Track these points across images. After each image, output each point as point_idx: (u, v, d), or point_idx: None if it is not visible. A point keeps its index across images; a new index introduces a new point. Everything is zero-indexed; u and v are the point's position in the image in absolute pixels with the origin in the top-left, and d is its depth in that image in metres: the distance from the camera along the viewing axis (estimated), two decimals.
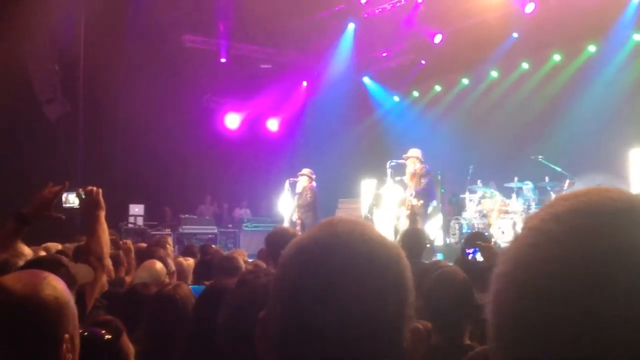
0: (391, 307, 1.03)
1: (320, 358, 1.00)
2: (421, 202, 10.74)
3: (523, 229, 0.80)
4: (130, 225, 13.70)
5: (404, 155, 11.09)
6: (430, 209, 11.30)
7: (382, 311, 1.02)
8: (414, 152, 11.00)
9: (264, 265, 4.63)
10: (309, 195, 11.93)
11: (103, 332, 1.98)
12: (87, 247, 3.07)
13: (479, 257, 3.74)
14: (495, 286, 0.79)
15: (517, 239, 0.80)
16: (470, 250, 3.87)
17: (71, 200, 3.17)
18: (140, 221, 13.98)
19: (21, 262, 2.98)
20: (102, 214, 3.16)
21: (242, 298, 1.95)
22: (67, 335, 1.60)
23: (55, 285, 1.63)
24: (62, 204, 3.17)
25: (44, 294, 1.58)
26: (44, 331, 1.57)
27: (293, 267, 1.09)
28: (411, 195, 10.91)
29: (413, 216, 10.76)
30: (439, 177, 13.88)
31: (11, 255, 3.10)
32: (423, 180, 10.77)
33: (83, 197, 3.16)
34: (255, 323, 1.11)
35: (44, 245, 4.88)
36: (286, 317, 1.04)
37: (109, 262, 3.35)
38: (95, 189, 3.20)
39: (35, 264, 2.52)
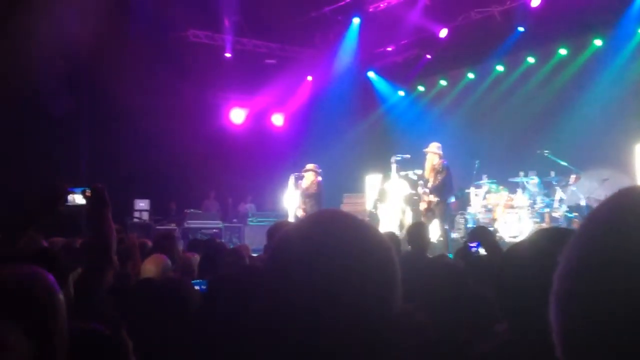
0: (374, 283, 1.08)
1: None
2: (437, 199, 10.67)
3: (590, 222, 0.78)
4: (136, 220, 13.74)
5: (425, 149, 11.03)
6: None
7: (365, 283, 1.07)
8: (433, 146, 10.95)
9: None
10: (314, 190, 11.94)
11: (103, 328, 2.00)
12: (94, 243, 3.09)
13: (482, 251, 3.75)
14: (563, 285, 0.76)
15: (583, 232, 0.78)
16: (474, 244, 3.88)
17: (76, 198, 3.16)
18: (145, 216, 14.03)
19: None
20: (108, 210, 3.18)
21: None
22: (56, 328, 1.63)
23: (46, 280, 1.67)
24: (67, 202, 3.18)
25: (35, 288, 1.62)
26: (35, 324, 1.60)
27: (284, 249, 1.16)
28: (424, 192, 10.89)
29: (431, 212, 10.74)
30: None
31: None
32: (439, 177, 10.70)
33: (88, 194, 3.18)
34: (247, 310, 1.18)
35: (50, 240, 4.90)
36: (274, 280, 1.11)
37: (115, 258, 3.36)
38: (100, 185, 3.22)
39: (29, 258, 2.53)
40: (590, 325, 0.71)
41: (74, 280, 2.89)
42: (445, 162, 10.78)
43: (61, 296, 1.70)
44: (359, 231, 1.14)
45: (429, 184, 10.77)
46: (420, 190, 11.16)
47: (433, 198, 10.69)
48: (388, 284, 1.10)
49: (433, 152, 10.86)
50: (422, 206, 10.92)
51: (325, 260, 1.06)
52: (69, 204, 3.16)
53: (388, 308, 1.09)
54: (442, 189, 10.70)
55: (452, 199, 11.36)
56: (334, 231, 1.12)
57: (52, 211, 3.15)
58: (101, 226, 3.09)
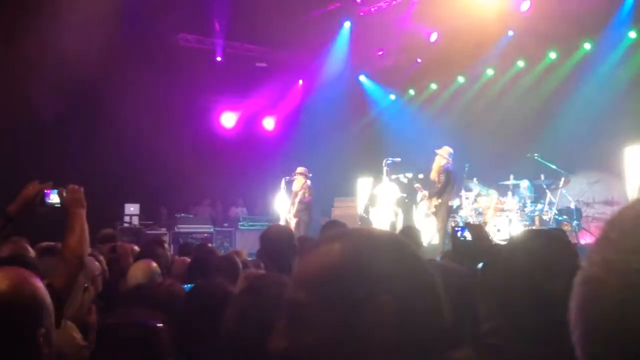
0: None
1: None
2: (439, 201, 10.83)
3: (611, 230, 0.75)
4: (126, 225, 13.68)
5: (436, 150, 11.21)
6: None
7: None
8: (444, 149, 11.16)
9: (261, 264, 4.62)
10: (305, 194, 11.94)
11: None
12: (66, 244, 3.02)
13: (468, 236, 3.82)
14: (583, 294, 0.75)
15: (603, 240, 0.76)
16: (459, 229, 3.95)
17: (53, 198, 3.11)
18: (135, 220, 13.97)
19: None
20: (83, 211, 3.12)
21: (249, 305, 1.94)
22: (43, 330, 1.65)
23: (34, 283, 1.69)
24: (44, 202, 3.13)
25: (23, 291, 1.65)
26: (23, 326, 1.62)
27: None
28: (424, 195, 11.13)
29: (435, 214, 10.93)
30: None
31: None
32: (441, 179, 10.91)
33: (65, 195, 3.14)
34: (263, 331, 1.15)
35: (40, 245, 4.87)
36: None
37: (87, 261, 3.30)
38: (77, 186, 3.18)
39: (5, 262, 2.52)
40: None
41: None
42: (446, 166, 10.92)
43: (49, 298, 1.71)
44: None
45: (435, 187, 11.02)
46: (421, 193, 11.36)
47: (435, 200, 10.85)
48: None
49: (441, 155, 11.03)
50: (426, 207, 11.13)
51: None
52: (47, 203, 3.11)
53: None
54: (440, 191, 10.86)
55: (456, 202, 11.47)
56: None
57: (28, 212, 3.11)
58: (75, 227, 3.03)
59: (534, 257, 1.66)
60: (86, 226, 3.09)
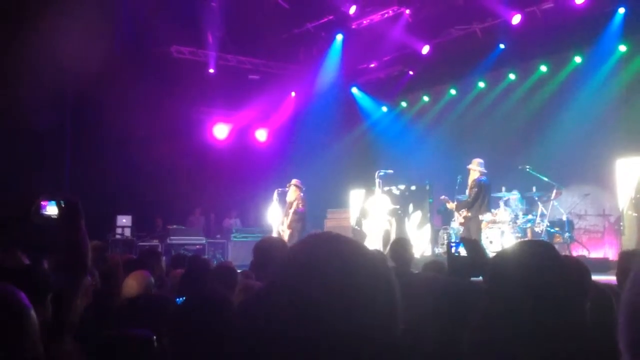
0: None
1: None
2: (469, 214, 10.76)
3: None
4: (118, 236, 13.64)
5: (468, 166, 11.19)
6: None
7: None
8: (474, 162, 11.09)
9: (252, 275, 4.62)
10: (298, 205, 11.94)
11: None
12: (68, 255, 3.02)
13: (462, 251, 3.84)
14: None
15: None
16: (454, 244, 3.96)
17: (50, 209, 3.12)
18: (127, 232, 13.93)
19: None
20: (82, 222, 3.13)
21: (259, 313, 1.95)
22: (26, 345, 1.67)
23: (15, 297, 1.70)
24: (40, 213, 3.13)
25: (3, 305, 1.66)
26: (11, 338, 1.61)
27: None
28: (451, 206, 11.15)
29: (465, 228, 10.86)
30: (427, 188, 13.94)
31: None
32: (472, 192, 10.85)
33: (63, 205, 3.14)
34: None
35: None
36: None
37: (95, 274, 3.32)
38: (74, 198, 3.19)
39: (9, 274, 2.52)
40: None
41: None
42: (479, 179, 10.83)
43: (32, 313, 1.70)
44: (358, 253, 1.13)
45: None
46: (449, 205, 11.39)
47: (466, 213, 10.79)
48: (390, 306, 1.10)
49: (472, 169, 11.02)
50: (458, 220, 11.12)
51: (327, 283, 1.05)
52: (44, 214, 3.11)
53: (391, 332, 1.08)
54: (469, 204, 10.75)
55: (488, 216, 11.32)
56: (335, 254, 1.10)
57: (22, 222, 3.11)
58: (76, 237, 3.03)
59: (530, 270, 1.69)
60: (87, 237, 3.09)
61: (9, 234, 3.19)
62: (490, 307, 1.70)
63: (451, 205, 11.41)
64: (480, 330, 1.69)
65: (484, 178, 10.88)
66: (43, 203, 3.08)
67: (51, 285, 2.61)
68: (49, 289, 2.59)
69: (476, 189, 10.78)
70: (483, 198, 10.80)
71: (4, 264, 3.29)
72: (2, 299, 1.67)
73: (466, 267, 3.43)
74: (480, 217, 10.84)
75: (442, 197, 12.06)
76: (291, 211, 11.95)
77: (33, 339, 1.69)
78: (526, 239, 11.83)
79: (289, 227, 11.92)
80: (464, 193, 12.97)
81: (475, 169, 10.95)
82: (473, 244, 3.77)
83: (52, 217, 3.06)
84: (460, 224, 10.96)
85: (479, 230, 11.01)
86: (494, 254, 2.10)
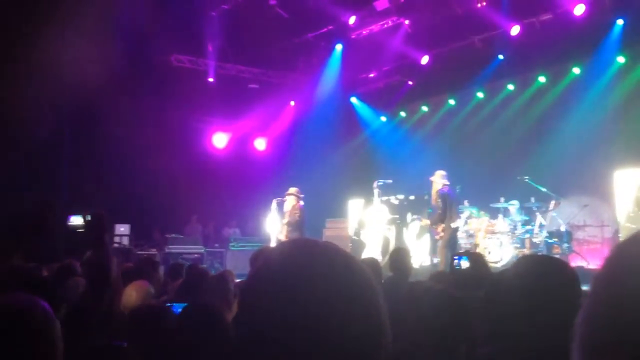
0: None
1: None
2: (442, 225, 10.79)
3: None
4: (116, 245, 13.60)
5: (430, 177, 11.17)
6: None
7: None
8: (436, 174, 11.09)
9: None
10: (296, 215, 11.91)
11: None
12: (94, 265, 3.16)
13: (464, 264, 3.84)
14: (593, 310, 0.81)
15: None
16: (457, 257, 3.96)
17: (75, 221, 3.24)
18: (125, 241, 13.90)
19: None
20: (107, 235, 3.27)
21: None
22: (55, 356, 1.67)
23: (43, 308, 1.71)
24: (66, 225, 3.25)
25: (34, 317, 1.67)
26: (34, 353, 1.61)
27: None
28: (426, 224, 11.19)
29: (443, 238, 10.85)
30: (426, 197, 13.91)
31: None
32: (439, 203, 10.86)
33: (88, 219, 3.27)
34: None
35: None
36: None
37: (71, 282, 3.42)
38: (101, 211, 3.32)
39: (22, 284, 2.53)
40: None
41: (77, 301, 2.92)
42: (441, 191, 10.85)
43: (58, 324, 1.72)
44: (340, 260, 1.09)
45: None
46: (423, 222, 11.40)
47: (440, 225, 10.81)
48: (374, 315, 1.07)
49: (434, 181, 11.03)
50: (418, 228, 11.14)
51: (307, 291, 1.02)
52: (70, 227, 3.25)
53: (376, 342, 1.05)
54: (441, 218, 10.78)
55: (456, 222, 11.35)
56: (315, 260, 1.07)
57: (39, 231, 3.21)
58: (100, 250, 3.15)
59: (532, 282, 1.69)
60: (110, 250, 3.26)
61: (24, 243, 3.27)
62: (489, 321, 1.70)
63: (425, 222, 11.47)
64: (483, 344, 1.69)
65: (447, 190, 10.90)
66: (69, 215, 3.22)
67: (61, 297, 2.65)
68: (60, 300, 2.63)
69: (440, 200, 10.82)
70: (450, 207, 10.85)
71: (21, 272, 3.36)
72: (34, 311, 1.70)
73: (469, 279, 3.43)
74: (453, 225, 10.89)
75: (414, 216, 12.12)
76: (289, 220, 11.93)
77: (60, 350, 1.72)
78: (524, 249, 11.84)
79: (287, 236, 11.89)
80: (463, 204, 12.97)
81: (438, 181, 10.97)
82: (477, 257, 3.78)
83: (78, 228, 3.18)
84: (440, 237, 10.96)
85: (455, 237, 11.11)
86: (497, 270, 2.11)
